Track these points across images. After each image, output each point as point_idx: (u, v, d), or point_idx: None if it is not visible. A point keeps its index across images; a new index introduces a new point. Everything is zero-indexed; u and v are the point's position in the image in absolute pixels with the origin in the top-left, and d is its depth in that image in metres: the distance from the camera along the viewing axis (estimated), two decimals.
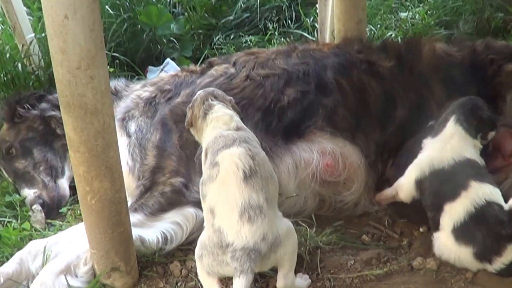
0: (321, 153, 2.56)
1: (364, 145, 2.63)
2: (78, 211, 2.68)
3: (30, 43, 3.42)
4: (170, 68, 3.77)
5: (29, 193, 2.80)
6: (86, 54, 1.86)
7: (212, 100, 2.09)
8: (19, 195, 2.84)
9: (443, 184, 2.30)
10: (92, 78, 1.90)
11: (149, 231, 2.35)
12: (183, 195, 2.47)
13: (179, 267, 2.32)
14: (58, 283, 2.16)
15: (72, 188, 2.80)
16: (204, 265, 1.96)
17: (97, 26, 1.88)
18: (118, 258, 2.18)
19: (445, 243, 2.28)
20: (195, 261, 2.15)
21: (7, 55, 3.36)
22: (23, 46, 3.35)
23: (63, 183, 2.88)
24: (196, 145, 2.48)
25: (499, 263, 2.20)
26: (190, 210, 2.43)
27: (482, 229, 2.20)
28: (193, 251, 2.18)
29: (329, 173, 2.55)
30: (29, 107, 2.91)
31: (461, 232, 2.22)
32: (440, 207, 2.26)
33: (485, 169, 2.38)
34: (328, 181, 2.56)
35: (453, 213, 2.24)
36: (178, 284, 2.25)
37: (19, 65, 3.28)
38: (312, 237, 2.36)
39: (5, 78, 3.32)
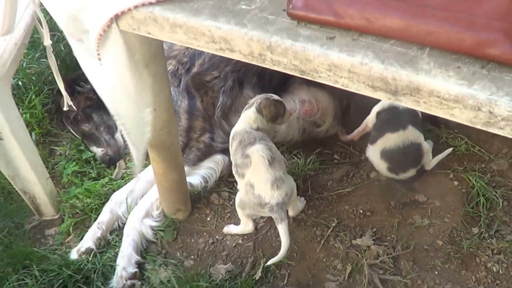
0: (301, 102, 3.29)
1: (330, 89, 3.17)
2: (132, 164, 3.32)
3: None
4: None
5: (97, 150, 3.39)
6: (164, 123, 2.46)
7: (253, 101, 2.79)
8: (90, 151, 3.42)
9: (393, 118, 2.98)
10: (169, 131, 2.53)
11: (194, 177, 3.09)
12: (212, 147, 3.20)
13: (217, 197, 3.11)
14: (143, 225, 2.92)
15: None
16: (245, 212, 2.76)
17: (171, 108, 2.51)
18: (180, 204, 2.97)
19: (373, 155, 3.04)
20: (227, 192, 3.13)
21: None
22: None
23: (118, 137, 3.45)
24: (214, 106, 3.20)
25: (402, 176, 3.00)
26: (218, 157, 3.20)
27: (399, 157, 2.96)
28: (224, 183, 3.17)
29: (308, 115, 3.29)
30: (83, 83, 3.37)
31: (385, 153, 2.97)
32: (382, 133, 2.97)
33: (420, 119, 3.02)
34: (308, 120, 3.30)
35: (387, 140, 2.95)
36: (218, 210, 3.05)
37: None
38: (302, 167, 3.16)
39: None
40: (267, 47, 1.48)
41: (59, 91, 3.26)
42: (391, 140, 2.96)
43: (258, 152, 2.65)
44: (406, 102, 1.40)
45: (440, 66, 1.35)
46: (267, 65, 1.52)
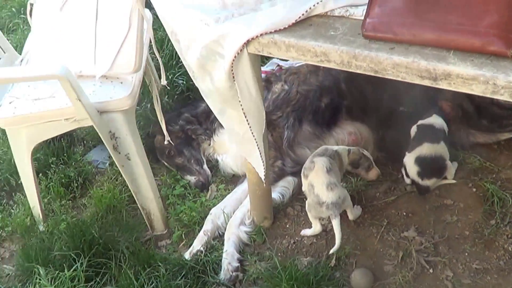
0: (348, 134, 3.94)
1: (370, 123, 3.95)
2: (220, 186, 3.97)
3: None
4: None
5: (191, 178, 3.94)
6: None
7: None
8: (184, 179, 3.97)
9: (431, 132, 3.64)
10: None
11: (274, 194, 3.62)
12: (284, 170, 3.81)
13: (292, 209, 3.72)
14: (240, 231, 3.50)
15: (210, 167, 4.08)
16: (312, 214, 3.38)
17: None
18: (267, 212, 3.56)
19: (409, 160, 3.64)
20: (299, 205, 3.74)
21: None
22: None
23: (206, 168, 4.00)
24: (282, 139, 3.84)
25: (424, 182, 3.63)
26: (290, 178, 3.81)
27: (428, 165, 3.59)
28: (296, 199, 3.78)
29: (354, 144, 3.88)
30: (174, 124, 4.01)
31: (419, 159, 3.59)
32: (420, 142, 3.61)
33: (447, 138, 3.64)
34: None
35: (424, 148, 3.58)
36: (294, 219, 3.66)
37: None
38: (355, 183, 3.79)
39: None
40: (353, 56, 2.25)
41: (150, 133, 4.06)
42: (426, 148, 3.58)
43: (321, 161, 3.33)
44: (442, 84, 2.14)
45: (461, 60, 2.10)
46: (353, 69, 2.28)
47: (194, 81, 2.84)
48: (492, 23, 2.12)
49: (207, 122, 4.02)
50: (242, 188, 3.76)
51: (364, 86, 3.93)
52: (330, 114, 3.95)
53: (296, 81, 4.00)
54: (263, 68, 4.31)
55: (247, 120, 2.73)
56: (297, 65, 4.19)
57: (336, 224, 3.23)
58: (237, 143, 3.07)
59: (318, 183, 3.30)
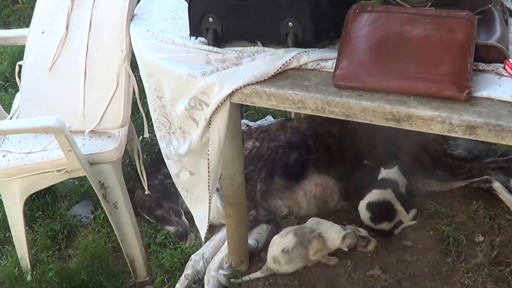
0: (315, 185, 4.13)
1: (335, 175, 4.14)
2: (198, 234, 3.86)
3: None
4: None
5: (170, 228, 4.06)
6: (239, 181, 3.31)
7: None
8: (164, 229, 4.07)
9: (380, 182, 3.98)
10: (242, 190, 3.35)
11: (250, 240, 3.75)
12: (258, 219, 3.96)
13: (266, 254, 3.71)
14: (218, 274, 3.61)
15: (188, 219, 4.10)
16: None
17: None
18: (243, 256, 3.66)
19: (362, 207, 3.92)
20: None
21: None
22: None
23: (184, 219, 4.10)
24: (255, 191, 4.00)
25: (378, 226, 3.89)
26: (263, 226, 3.96)
27: (377, 210, 3.88)
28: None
29: (321, 194, 4.12)
30: (153, 179, 4.17)
31: (369, 206, 3.89)
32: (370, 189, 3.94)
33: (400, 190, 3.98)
34: (321, 198, 4.14)
35: (372, 196, 3.89)
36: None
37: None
38: None
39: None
40: (326, 103, 2.48)
41: (130, 188, 4.02)
42: (375, 194, 3.87)
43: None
44: (405, 125, 2.39)
45: (421, 103, 2.35)
46: (326, 114, 2.51)
47: (160, 142, 3.10)
48: (446, 71, 2.38)
49: None
50: (219, 236, 3.93)
51: (329, 142, 4.20)
52: (298, 167, 4.15)
53: (266, 138, 4.20)
54: None
55: (208, 171, 2.87)
56: (266, 124, 4.46)
57: None
58: (189, 203, 3.28)
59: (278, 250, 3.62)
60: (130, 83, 3.40)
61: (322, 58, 2.71)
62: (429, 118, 2.35)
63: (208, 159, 2.79)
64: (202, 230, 3.24)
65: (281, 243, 3.58)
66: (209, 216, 3.15)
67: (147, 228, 4.22)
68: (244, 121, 4.63)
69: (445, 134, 2.38)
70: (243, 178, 3.25)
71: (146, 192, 3.86)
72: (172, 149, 2.94)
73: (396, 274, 3.67)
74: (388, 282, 3.59)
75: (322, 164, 4.17)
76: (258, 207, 4.02)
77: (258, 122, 4.64)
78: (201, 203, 3.08)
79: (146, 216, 4.29)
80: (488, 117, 2.28)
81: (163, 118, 2.97)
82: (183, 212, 4.21)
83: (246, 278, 3.64)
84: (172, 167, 3.09)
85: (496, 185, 4.16)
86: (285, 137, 4.21)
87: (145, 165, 4.10)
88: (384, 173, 4.03)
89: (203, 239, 3.41)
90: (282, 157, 4.14)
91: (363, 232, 3.63)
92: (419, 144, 4.14)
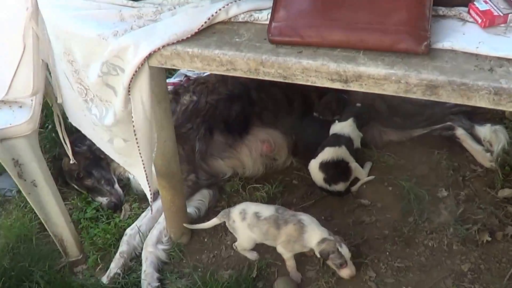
0: (261, 141, 3.84)
1: (283, 129, 3.86)
2: (133, 204, 3.80)
3: None
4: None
5: (102, 200, 3.76)
6: (172, 151, 3.01)
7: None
8: (95, 201, 3.80)
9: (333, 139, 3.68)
10: (176, 161, 3.06)
11: (189, 209, 3.49)
12: (198, 184, 3.67)
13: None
14: (157, 249, 3.36)
15: (122, 187, 3.89)
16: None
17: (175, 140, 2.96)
18: (183, 228, 3.41)
19: (314, 167, 3.63)
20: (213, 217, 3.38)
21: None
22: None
23: (117, 187, 3.84)
24: (194, 151, 3.68)
25: (333, 187, 3.60)
26: (205, 191, 3.67)
27: (331, 170, 3.58)
28: (212, 212, 3.58)
29: (268, 151, 3.84)
30: (80, 145, 3.79)
31: (322, 166, 3.60)
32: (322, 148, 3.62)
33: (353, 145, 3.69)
34: (268, 156, 3.86)
35: (325, 155, 3.60)
36: (212, 233, 3.50)
37: None
38: (271, 191, 3.74)
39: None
40: (260, 63, 2.12)
41: (56, 156, 3.88)
42: (328, 153, 3.58)
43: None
44: (354, 86, 2.05)
45: (372, 60, 2.02)
46: (261, 76, 2.15)
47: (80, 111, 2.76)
48: (400, 20, 2.04)
49: None
50: (156, 206, 3.50)
51: (275, 92, 3.88)
52: (241, 122, 3.85)
53: (205, 91, 3.88)
54: (170, 80, 4.22)
55: (136, 140, 2.56)
56: (205, 74, 4.08)
57: None
58: (127, 166, 3.00)
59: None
60: (40, 45, 2.90)
61: (255, 8, 2.31)
62: (382, 78, 2.00)
63: (135, 130, 2.49)
64: (147, 192, 2.91)
65: (260, 207, 3.24)
66: (149, 183, 2.83)
67: (77, 201, 3.87)
68: (182, 71, 4.33)
69: (402, 95, 2.03)
70: (175, 145, 2.98)
71: (71, 161, 3.43)
72: (95, 118, 2.61)
73: (353, 239, 3.40)
74: None
75: (267, 117, 3.89)
76: (197, 170, 3.73)
77: (197, 72, 4.17)
78: (139, 168, 2.75)
79: (76, 186, 3.94)
80: (452, 74, 1.94)
81: (78, 85, 2.61)
82: (116, 180, 3.92)
83: (196, 226, 3.42)
84: (101, 134, 2.76)
85: (459, 133, 3.88)
86: (225, 89, 3.89)
87: (69, 131, 3.63)
88: (337, 127, 3.76)
89: (150, 202, 3.02)
90: (223, 112, 3.83)
91: (345, 252, 3.07)
92: None
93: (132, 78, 2.28)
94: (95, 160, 3.89)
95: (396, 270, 3.23)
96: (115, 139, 2.70)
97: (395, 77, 1.98)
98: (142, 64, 2.26)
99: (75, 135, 3.77)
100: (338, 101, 3.86)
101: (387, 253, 3.32)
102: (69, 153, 3.36)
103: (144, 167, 2.71)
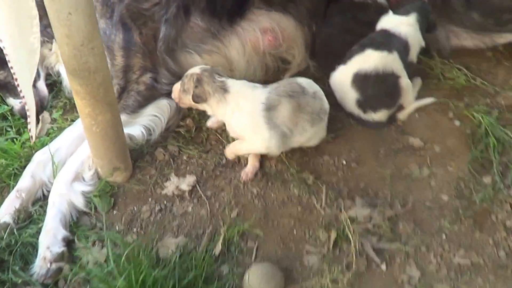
0: (262, 31, 2.81)
1: (296, 12, 2.86)
2: (56, 113, 2.86)
3: None
4: None
5: (15, 102, 2.85)
6: (86, 35, 2.01)
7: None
8: (6, 105, 2.90)
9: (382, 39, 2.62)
10: (93, 48, 2.05)
11: (134, 128, 2.58)
12: (155, 90, 2.68)
13: (163, 151, 2.59)
14: (72, 191, 2.39)
15: (48, 85, 2.95)
16: None
17: (93, 15, 2.03)
18: (118, 161, 2.43)
19: (341, 79, 2.58)
20: (176, 145, 2.59)
21: None
22: None
23: (41, 85, 2.89)
24: (155, 39, 2.67)
25: (370, 116, 2.57)
26: (164, 102, 2.67)
27: (372, 87, 2.54)
28: (172, 136, 2.63)
29: (272, 47, 2.82)
30: None
31: (359, 79, 2.53)
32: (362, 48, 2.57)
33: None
34: (272, 53, 2.83)
35: (364, 62, 2.53)
36: (165, 169, 2.52)
37: None
38: None
39: None
40: None
41: None
42: (370, 58, 2.52)
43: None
44: None
45: None
46: None
47: None
48: None
49: (48, 18, 2.67)
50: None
51: None
52: (233, 0, 2.85)
53: None
54: None
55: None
56: None
57: None
58: None
59: None
60: None
61: None
62: None
63: None
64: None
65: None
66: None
67: None
68: None
69: None
70: (93, 24, 2.03)
71: None
72: None
73: (389, 206, 2.32)
74: (373, 222, 2.28)
75: None
76: (158, 68, 2.71)
77: None
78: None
79: None
80: None
81: None
82: (42, 74, 2.90)
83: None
84: None
85: None
86: None
87: None
88: (390, 21, 2.70)
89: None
90: None
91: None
92: None
93: None
94: None
95: (455, 270, 2.16)
96: None
97: None
98: None
99: None
100: None
101: (443, 236, 2.25)
102: None
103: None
